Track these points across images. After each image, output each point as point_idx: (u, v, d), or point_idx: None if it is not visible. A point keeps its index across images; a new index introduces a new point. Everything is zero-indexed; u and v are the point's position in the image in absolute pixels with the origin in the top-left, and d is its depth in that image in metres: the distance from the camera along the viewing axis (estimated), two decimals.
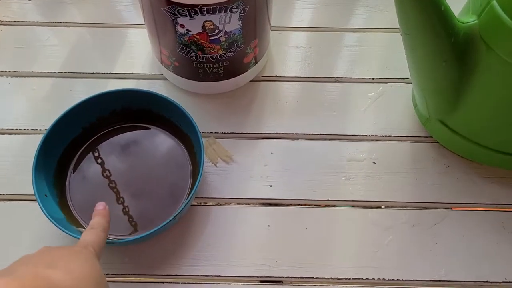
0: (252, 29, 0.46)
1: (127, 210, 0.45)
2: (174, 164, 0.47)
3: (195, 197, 0.47)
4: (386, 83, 0.54)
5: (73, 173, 0.47)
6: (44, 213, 0.41)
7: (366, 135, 0.51)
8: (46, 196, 0.43)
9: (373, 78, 0.54)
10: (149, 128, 0.49)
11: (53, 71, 0.54)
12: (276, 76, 0.55)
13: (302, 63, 0.56)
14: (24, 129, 0.50)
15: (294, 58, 0.56)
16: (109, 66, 0.55)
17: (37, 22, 0.58)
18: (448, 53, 0.37)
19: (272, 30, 0.56)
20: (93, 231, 0.35)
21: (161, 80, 0.54)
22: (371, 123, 0.52)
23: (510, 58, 0.36)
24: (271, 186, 0.48)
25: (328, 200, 0.47)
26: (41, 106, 0.51)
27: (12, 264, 0.30)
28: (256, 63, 0.51)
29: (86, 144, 0.48)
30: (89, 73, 0.54)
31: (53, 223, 0.40)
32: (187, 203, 0.41)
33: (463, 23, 0.37)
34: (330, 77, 0.55)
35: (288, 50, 0.57)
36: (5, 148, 0.49)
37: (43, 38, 0.57)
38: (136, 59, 0.56)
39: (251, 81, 0.54)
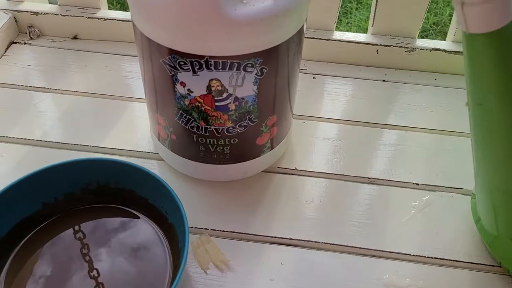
0: (270, 100, 0.37)
1: None
2: (150, 262, 0.36)
3: None
4: (434, 191, 0.43)
5: (16, 260, 0.35)
6: None
7: (410, 254, 0.38)
8: None
9: (417, 184, 0.43)
10: (127, 211, 0.38)
11: (30, 138, 0.46)
12: (296, 169, 0.44)
13: (329, 157, 0.45)
14: None
15: (320, 150, 0.46)
16: (99, 139, 0.46)
17: (29, 86, 0.51)
18: None
19: (294, 118, 0.47)
20: None
21: (156, 160, 0.44)
22: (416, 239, 0.39)
23: None
24: None
25: None
26: (5, 178, 0.42)
27: None
28: (272, 148, 0.41)
29: (43, 224, 0.37)
30: (73, 144, 0.45)
31: None
32: None
33: None
34: (364, 177, 0.44)
35: (313, 141, 0.47)
36: None
37: (32, 103, 0.50)
38: (132, 134, 0.47)
39: (264, 171, 0.44)
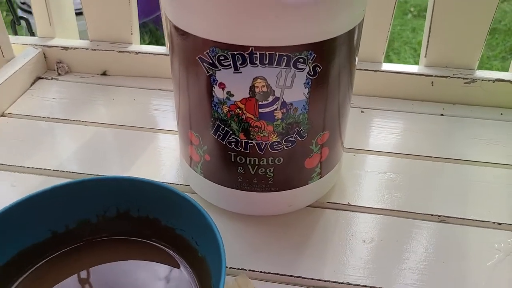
0: (323, 111, 0.31)
1: None
2: None
3: None
4: None
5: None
6: None
7: None
8: None
9: (499, 224, 0.36)
10: (153, 246, 0.32)
11: (46, 168, 0.41)
12: (349, 204, 0.37)
13: (386, 192, 0.39)
14: None
15: (374, 185, 0.39)
16: (124, 169, 0.41)
17: (52, 118, 0.47)
18: None
19: (344, 152, 0.41)
20: None
21: (186, 192, 0.38)
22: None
23: None
24: None
25: None
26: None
27: None
28: (321, 175, 0.35)
29: (50, 257, 0.31)
30: (95, 175, 0.40)
31: None
32: None
33: None
34: (431, 215, 0.37)
35: (365, 175, 0.40)
36: None
37: (54, 134, 0.45)
38: (158, 166, 0.41)
39: (311, 206, 0.37)
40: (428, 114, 0.48)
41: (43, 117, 0.48)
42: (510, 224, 0.36)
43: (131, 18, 0.52)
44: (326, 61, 0.29)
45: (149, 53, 0.52)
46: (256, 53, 0.27)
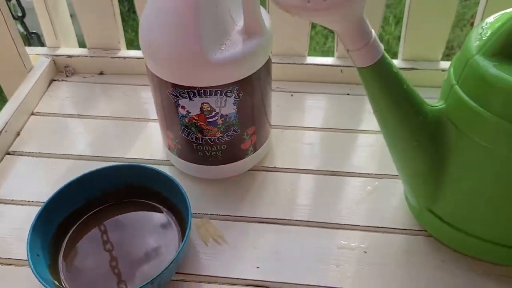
0: (249, 115, 0.50)
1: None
2: (165, 238, 0.49)
3: (185, 273, 0.47)
4: (381, 178, 0.55)
5: (69, 243, 0.49)
6: (32, 271, 0.42)
7: (359, 225, 0.51)
8: (38, 256, 0.45)
9: (368, 174, 0.56)
10: (148, 204, 0.52)
11: (72, 154, 0.60)
12: (276, 167, 0.57)
13: (304, 158, 0.59)
14: (39, 201, 0.54)
15: (296, 152, 0.59)
16: (124, 152, 0.60)
17: (69, 114, 0.66)
18: (418, 132, 0.39)
19: (275, 128, 0.60)
20: None
21: (168, 165, 0.58)
22: (365, 215, 0.52)
23: (479, 139, 0.38)
24: (258, 267, 0.48)
25: (315, 286, 0.46)
26: (56, 183, 0.56)
27: None
28: (255, 151, 0.55)
29: (87, 215, 0.51)
30: (104, 156, 0.59)
31: (40, 281, 0.41)
32: (166, 268, 0.42)
33: (432, 106, 0.40)
34: (328, 170, 0.57)
35: (290, 145, 0.60)
36: (20, 219, 0.53)
37: (71, 127, 0.64)
38: (148, 147, 0.61)
39: (250, 170, 0.57)
40: (338, 94, 0.67)
41: (62, 113, 0.66)
42: (376, 174, 0.56)
43: (117, 31, 0.69)
44: (245, 89, 0.47)
45: (134, 58, 0.70)
46: (201, 90, 0.46)
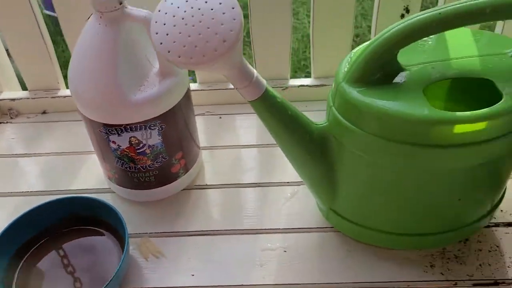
0: (175, 142, 0.57)
1: None
2: (106, 257, 0.56)
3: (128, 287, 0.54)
4: (299, 185, 0.63)
5: (21, 274, 0.55)
6: None
7: (279, 228, 0.59)
8: None
9: (288, 182, 0.64)
10: (92, 229, 0.58)
11: (22, 191, 0.65)
12: (207, 185, 0.65)
13: (226, 174, 0.66)
14: None
15: (225, 169, 0.67)
16: (70, 184, 0.66)
17: (17, 154, 0.71)
18: (308, 147, 0.47)
19: (204, 149, 0.68)
20: None
21: (110, 193, 0.64)
22: (285, 219, 0.60)
23: (355, 149, 0.46)
24: (193, 275, 0.55)
25: (242, 285, 0.53)
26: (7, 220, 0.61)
27: None
28: (186, 172, 0.62)
29: (37, 246, 0.57)
30: (53, 190, 0.65)
31: None
32: (107, 284, 0.48)
33: (317, 125, 0.48)
34: (253, 183, 0.64)
35: (219, 163, 0.68)
36: None
37: (20, 166, 0.69)
38: (92, 178, 0.67)
39: (185, 189, 0.64)
40: None
41: (10, 154, 0.71)
42: (295, 182, 0.64)
43: (55, 72, 0.75)
44: (167, 121, 0.55)
45: None
46: (127, 127, 0.53)
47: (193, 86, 0.76)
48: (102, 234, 0.58)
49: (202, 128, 0.74)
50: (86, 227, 0.58)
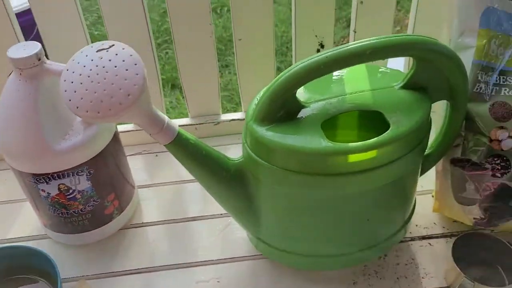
0: (106, 185, 0.59)
1: None
2: None
3: None
4: (229, 217, 0.66)
5: None
6: None
7: (213, 259, 0.61)
8: None
9: (221, 214, 0.67)
10: (27, 278, 0.59)
11: None
12: (143, 223, 0.67)
13: (166, 210, 0.68)
14: None
15: (159, 206, 0.69)
16: (6, 233, 0.66)
17: None
18: (227, 183, 0.51)
19: (140, 187, 0.70)
20: None
21: (46, 239, 0.65)
22: (218, 250, 0.62)
23: (268, 182, 0.50)
24: None
25: None
26: None
27: None
28: (120, 212, 0.64)
29: None
30: None
31: None
32: None
33: (233, 161, 0.51)
34: (188, 217, 0.67)
35: (155, 200, 0.70)
36: None
37: None
38: (28, 225, 0.68)
39: (121, 229, 0.66)
40: None
41: None
42: (225, 214, 0.67)
43: None
44: (95, 165, 0.57)
45: None
46: (54, 175, 0.55)
47: (127, 127, 0.79)
48: (36, 281, 0.59)
49: (141, 166, 0.76)
50: (21, 276, 0.59)
